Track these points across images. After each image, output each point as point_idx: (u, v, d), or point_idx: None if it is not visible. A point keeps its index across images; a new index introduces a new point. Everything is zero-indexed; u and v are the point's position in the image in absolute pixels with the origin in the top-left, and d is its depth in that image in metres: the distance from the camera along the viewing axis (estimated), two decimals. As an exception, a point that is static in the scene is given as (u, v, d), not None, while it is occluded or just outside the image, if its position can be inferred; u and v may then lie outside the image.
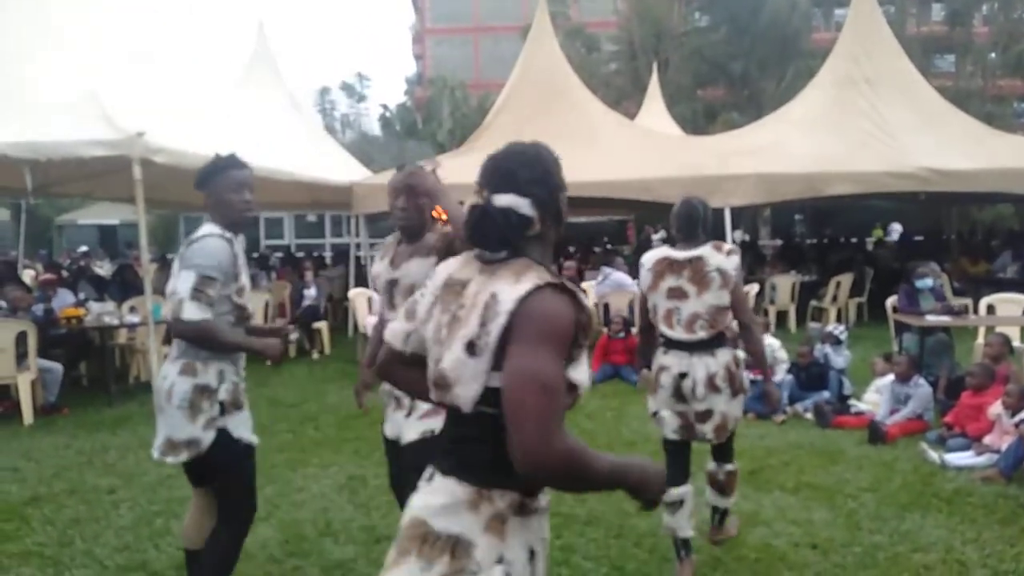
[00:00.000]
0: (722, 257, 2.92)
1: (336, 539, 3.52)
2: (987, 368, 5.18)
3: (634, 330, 7.63)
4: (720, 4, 23.33)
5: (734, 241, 10.48)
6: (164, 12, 8.81)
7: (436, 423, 2.27)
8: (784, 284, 9.83)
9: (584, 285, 9.60)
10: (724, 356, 2.94)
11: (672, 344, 2.98)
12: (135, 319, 6.88)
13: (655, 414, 3.07)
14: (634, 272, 9.99)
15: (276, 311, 8.81)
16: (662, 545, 3.37)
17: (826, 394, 5.76)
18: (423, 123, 28.50)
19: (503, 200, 1.41)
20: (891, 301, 7.40)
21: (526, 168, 1.44)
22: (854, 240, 16.19)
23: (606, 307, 8.45)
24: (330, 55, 63.81)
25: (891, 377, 5.50)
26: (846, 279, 9.98)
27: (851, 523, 3.62)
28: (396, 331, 1.56)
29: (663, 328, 3.01)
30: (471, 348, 1.34)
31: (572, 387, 1.34)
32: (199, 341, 2.41)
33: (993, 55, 23.56)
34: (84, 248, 19.43)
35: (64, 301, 7.40)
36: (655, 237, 17.23)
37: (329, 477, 4.39)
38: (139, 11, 8.48)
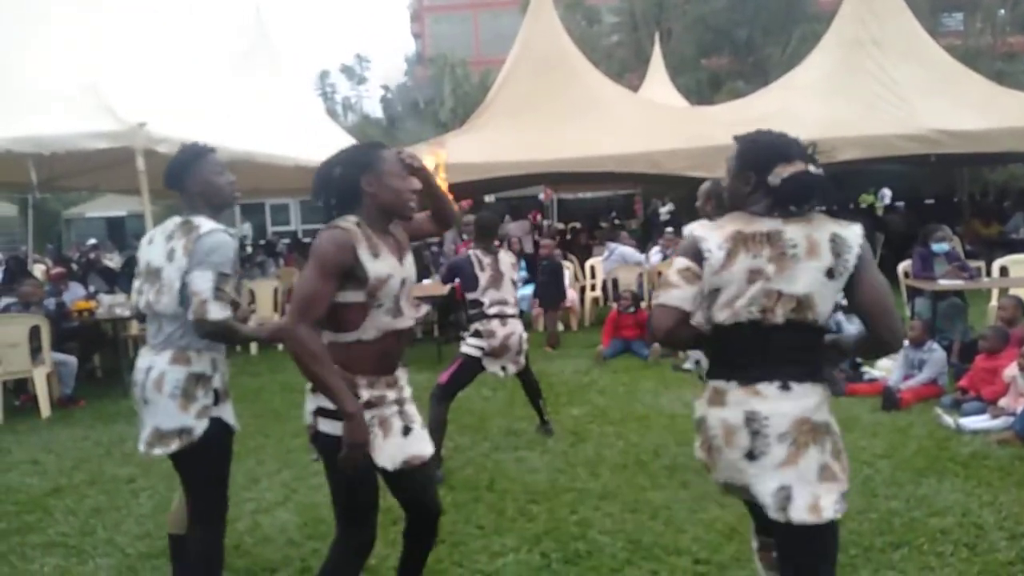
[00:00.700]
0: None
1: (354, 521, 3.55)
2: (1001, 331, 5.14)
3: (643, 304, 7.62)
4: (722, -31, 22.88)
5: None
6: (163, 3, 8.72)
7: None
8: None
9: (591, 261, 9.58)
10: None
11: None
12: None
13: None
14: (641, 246, 10.00)
15: (285, 297, 8.84)
16: (677, 518, 3.39)
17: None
18: (425, 103, 28.28)
19: (814, 170, 1.91)
20: (903, 266, 7.33)
21: (796, 145, 1.97)
22: (864, 206, 15.99)
23: (615, 282, 8.43)
24: (328, 38, 63.35)
25: (904, 343, 5.47)
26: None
27: (867, 490, 3.61)
28: (684, 296, 1.92)
29: None
30: (830, 273, 1.83)
31: None
32: (223, 339, 2.44)
33: (1002, 11, 23.03)
34: (93, 241, 19.50)
35: (75, 294, 7.45)
36: (663, 210, 17.12)
37: (344, 460, 4.42)
38: (139, 3, 8.41)
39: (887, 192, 17.55)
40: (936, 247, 6.62)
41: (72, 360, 6.25)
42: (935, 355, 5.26)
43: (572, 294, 8.81)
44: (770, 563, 2.12)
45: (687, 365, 6.47)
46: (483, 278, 4.36)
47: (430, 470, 2.39)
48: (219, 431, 2.45)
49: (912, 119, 9.00)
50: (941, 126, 8.83)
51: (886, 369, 5.61)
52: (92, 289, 8.15)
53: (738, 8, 22.61)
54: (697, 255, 1.91)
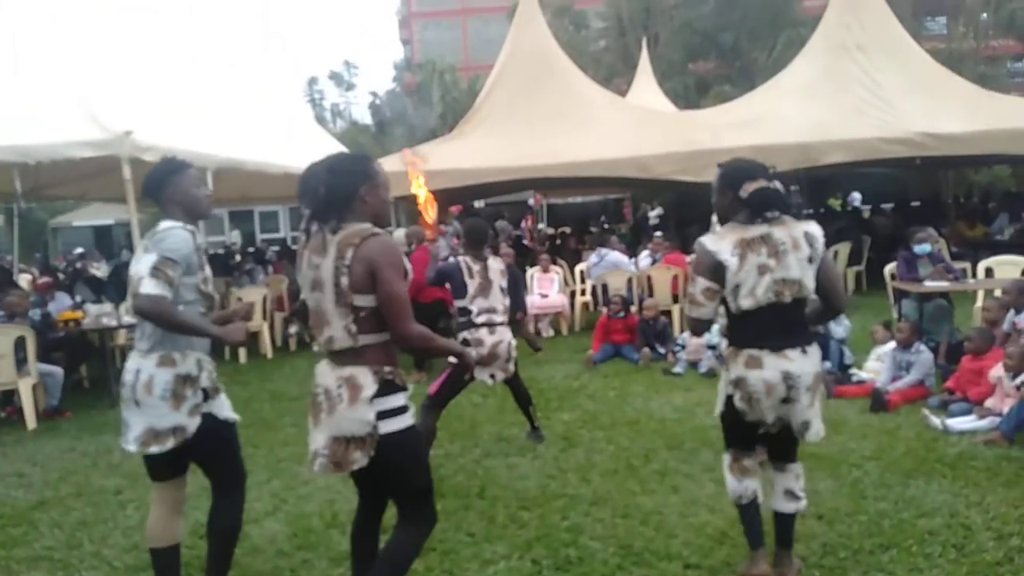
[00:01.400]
0: None
1: (343, 530, 3.51)
2: (986, 332, 5.18)
3: (633, 309, 7.63)
4: (709, -26, 23.01)
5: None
6: (148, 11, 8.67)
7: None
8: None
9: (580, 266, 9.59)
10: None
11: None
12: (133, 320, 6.85)
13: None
14: (631, 251, 10.01)
15: (274, 304, 8.80)
16: (668, 523, 3.39)
17: (827, 364, 5.75)
18: (413, 109, 28.27)
19: (773, 186, 2.61)
20: (889, 268, 7.38)
21: (761, 168, 2.69)
22: (850, 209, 16.12)
23: (604, 287, 8.44)
24: (316, 44, 63.23)
25: (892, 344, 5.50)
26: (844, 248, 9.95)
27: (855, 492, 3.63)
28: (709, 312, 2.64)
29: None
30: (810, 260, 2.56)
31: None
32: (156, 317, 2.43)
33: (985, 15, 23.28)
34: (80, 250, 19.35)
35: (61, 304, 7.38)
36: (652, 214, 17.19)
37: (334, 469, 4.39)
38: (124, 11, 8.37)
39: (856, 195, 17.74)
40: (918, 248, 6.67)
41: (58, 371, 6.19)
42: (922, 356, 5.29)
43: (563, 299, 8.81)
44: (742, 470, 2.76)
45: (677, 369, 6.49)
46: (472, 286, 4.36)
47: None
48: (215, 425, 2.57)
49: (897, 122, 9.07)
50: (925, 129, 8.91)
51: (874, 371, 5.64)
52: (78, 299, 8.08)
53: (724, 13, 22.76)
54: (716, 267, 2.57)
